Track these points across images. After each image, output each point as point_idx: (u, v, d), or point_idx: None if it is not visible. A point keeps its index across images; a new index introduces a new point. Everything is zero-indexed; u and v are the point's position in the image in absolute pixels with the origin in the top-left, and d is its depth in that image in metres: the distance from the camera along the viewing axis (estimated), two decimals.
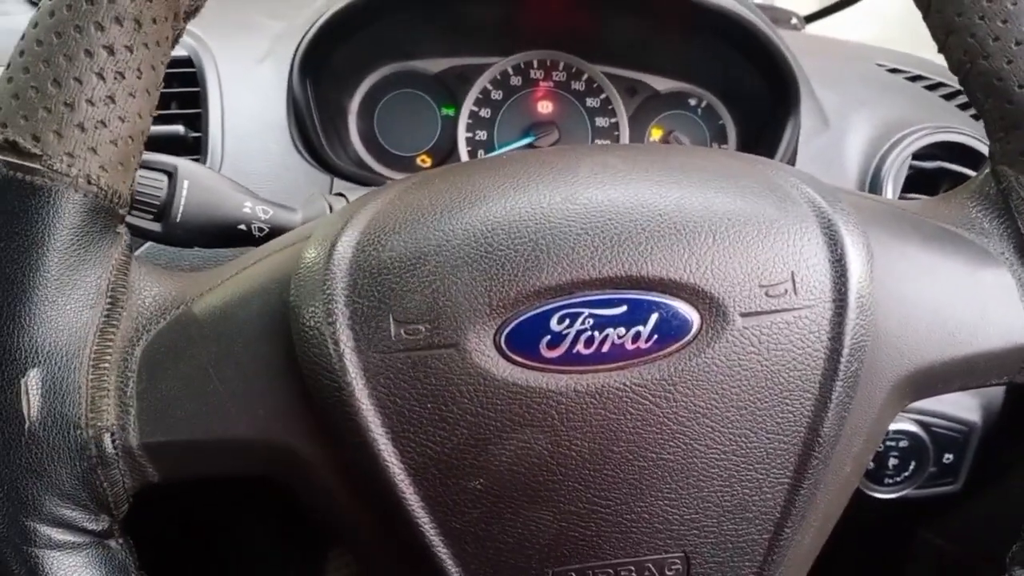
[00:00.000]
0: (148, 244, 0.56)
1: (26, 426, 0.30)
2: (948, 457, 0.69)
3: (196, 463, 0.33)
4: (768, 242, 0.32)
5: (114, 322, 0.32)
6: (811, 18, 1.20)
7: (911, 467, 0.68)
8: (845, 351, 0.32)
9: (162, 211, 0.45)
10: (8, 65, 0.31)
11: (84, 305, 0.31)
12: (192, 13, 0.34)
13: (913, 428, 0.67)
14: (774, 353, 0.32)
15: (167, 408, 0.32)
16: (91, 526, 0.32)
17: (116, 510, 0.33)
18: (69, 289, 0.31)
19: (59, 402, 0.30)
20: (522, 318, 0.31)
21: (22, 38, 0.31)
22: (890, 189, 0.67)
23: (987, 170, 0.39)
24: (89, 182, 0.31)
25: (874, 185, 0.68)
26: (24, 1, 0.83)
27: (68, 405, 0.31)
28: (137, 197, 0.45)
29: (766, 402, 0.32)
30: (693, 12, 0.66)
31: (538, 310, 0.31)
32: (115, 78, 0.31)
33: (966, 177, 0.69)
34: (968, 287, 0.35)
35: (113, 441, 0.31)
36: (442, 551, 0.32)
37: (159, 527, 0.53)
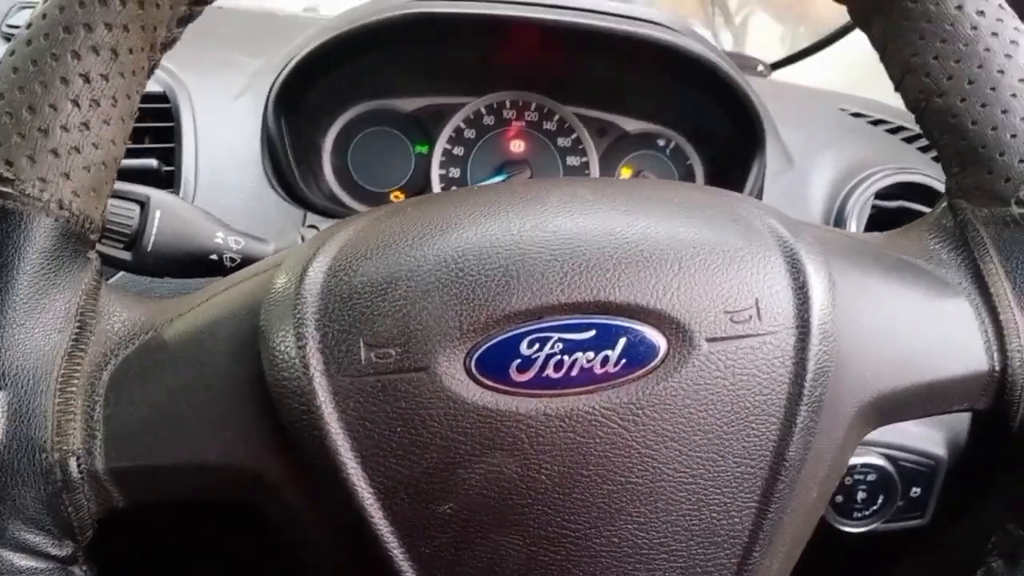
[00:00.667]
0: (120, 274, 0.56)
1: None
2: (916, 491, 0.69)
3: (163, 488, 0.33)
4: (732, 270, 0.33)
5: (82, 346, 0.32)
6: (776, 65, 1.24)
7: (879, 500, 0.68)
8: (809, 376, 0.32)
9: (133, 240, 0.45)
10: None
11: (52, 329, 0.31)
12: (168, 44, 0.34)
13: (880, 462, 0.67)
14: (739, 378, 0.32)
15: (134, 433, 0.32)
16: (55, 551, 0.32)
17: (81, 535, 0.32)
18: (38, 312, 0.31)
19: (24, 425, 0.30)
20: (492, 342, 0.31)
21: None
22: (854, 227, 0.69)
23: (944, 204, 0.40)
24: (61, 207, 0.31)
25: (838, 223, 0.70)
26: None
27: (34, 428, 0.30)
28: (108, 226, 0.45)
29: (732, 426, 0.32)
30: (663, 57, 0.67)
31: (508, 334, 0.31)
32: (90, 106, 0.31)
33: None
34: (928, 316, 0.36)
35: (79, 465, 0.31)
36: None
37: (124, 553, 0.52)
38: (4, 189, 0.30)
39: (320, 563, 0.34)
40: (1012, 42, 0.36)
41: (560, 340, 0.31)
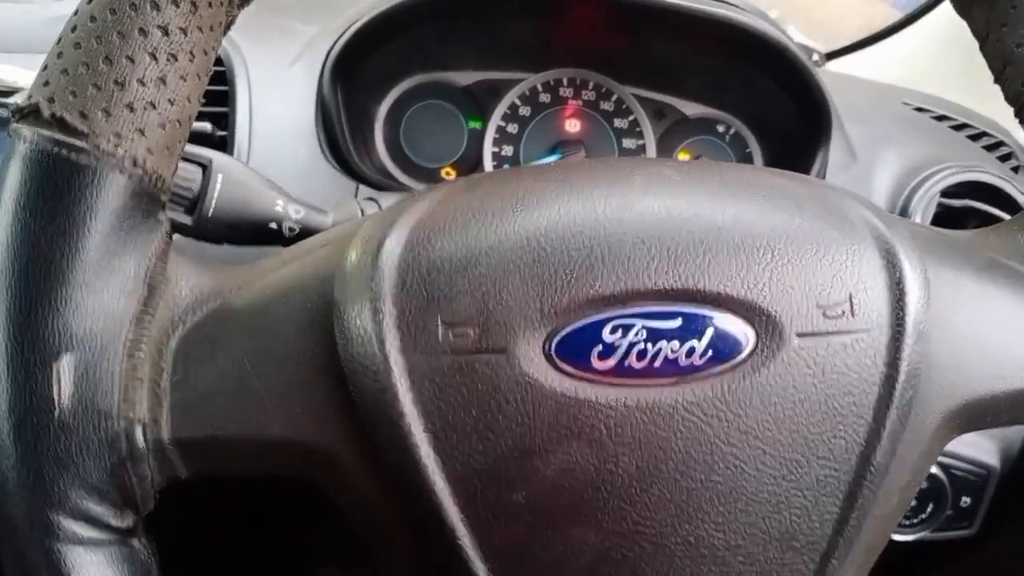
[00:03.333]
0: (175, 237, 0.55)
1: (56, 414, 0.29)
2: (965, 500, 0.68)
3: (227, 460, 0.32)
4: (826, 262, 0.31)
5: (151, 311, 0.31)
6: (831, 56, 1.21)
7: (929, 509, 0.67)
8: (901, 378, 0.31)
9: (194, 204, 0.45)
10: (59, 39, 0.30)
11: (122, 292, 0.30)
12: (246, 1, 0.33)
13: (933, 469, 0.66)
14: (829, 376, 0.31)
15: (201, 402, 0.31)
16: (116, 523, 0.31)
17: (142, 507, 0.31)
18: (108, 275, 0.30)
19: (91, 391, 0.29)
20: (574, 326, 0.30)
21: (75, 13, 0.30)
22: None
23: None
24: (135, 164, 0.30)
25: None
26: None
27: (101, 395, 0.29)
28: (175, 189, 0.44)
29: (819, 426, 0.31)
30: (730, 37, 0.65)
31: (591, 319, 0.30)
32: (168, 59, 0.30)
33: (993, 216, 0.68)
34: (1020, 320, 0.34)
35: (144, 434, 0.30)
36: (479, 566, 0.31)
37: (184, 527, 0.52)
38: (78, 143, 0.29)
39: (384, 547, 0.33)
40: None
41: (645, 328, 0.30)
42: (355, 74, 0.68)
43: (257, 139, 0.62)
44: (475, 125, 0.75)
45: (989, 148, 0.77)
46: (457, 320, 0.29)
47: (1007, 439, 0.69)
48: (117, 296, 0.30)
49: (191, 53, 0.31)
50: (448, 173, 0.75)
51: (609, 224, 0.31)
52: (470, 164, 0.75)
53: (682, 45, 0.70)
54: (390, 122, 0.74)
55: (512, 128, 0.75)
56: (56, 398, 0.29)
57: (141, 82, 0.30)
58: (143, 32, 0.29)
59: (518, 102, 0.75)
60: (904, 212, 0.68)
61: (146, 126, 0.30)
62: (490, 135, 0.75)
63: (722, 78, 0.74)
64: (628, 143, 0.76)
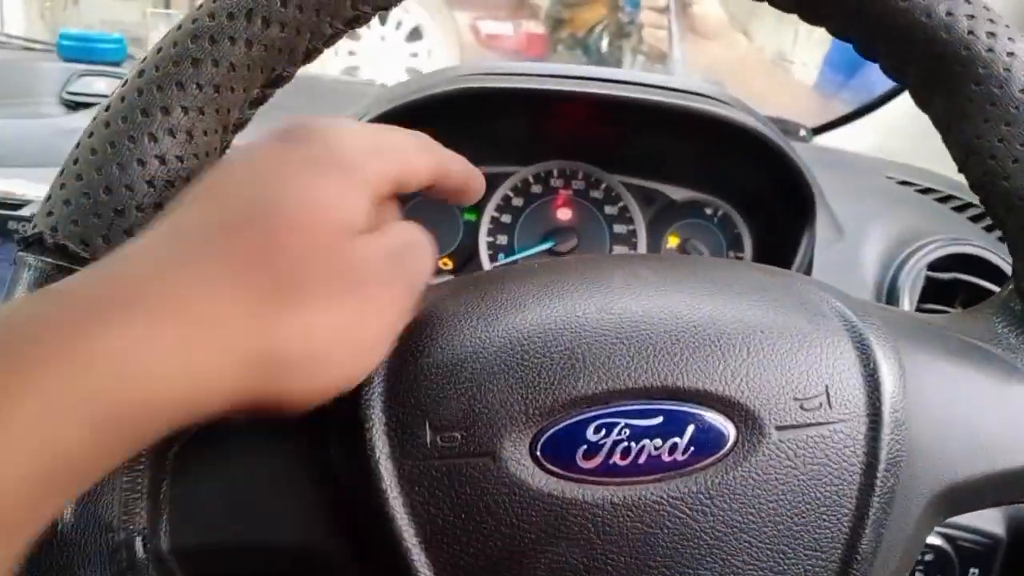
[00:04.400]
0: None
1: (58, 527, 0.30)
2: (974, 572, 0.67)
3: (227, 566, 0.32)
4: (802, 355, 0.32)
5: None
6: (818, 130, 1.24)
7: None
8: (881, 466, 0.32)
9: None
10: (62, 171, 0.32)
11: None
12: (241, 126, 0.35)
13: (938, 541, 0.65)
14: (810, 467, 0.31)
15: (200, 511, 0.31)
16: None
17: None
18: None
19: (92, 502, 0.30)
20: (558, 427, 0.31)
21: (77, 146, 0.32)
22: (907, 300, 0.68)
23: (1011, 287, 0.39)
24: None
25: (891, 295, 0.69)
26: (59, 104, 0.86)
27: (101, 506, 0.30)
28: None
29: (803, 517, 0.31)
30: (710, 127, 0.68)
31: (574, 419, 0.31)
32: (164, 186, 0.32)
33: (981, 288, 0.69)
34: (999, 402, 0.35)
35: (144, 545, 0.31)
36: None
37: None
38: (78, 268, 0.31)
39: None
40: None
41: (627, 426, 0.31)
42: None
43: None
44: (470, 217, 0.77)
45: (974, 219, 0.79)
46: (445, 425, 0.30)
47: (1013, 507, 0.68)
48: None
49: (187, 179, 0.32)
50: (445, 263, 0.77)
51: (589, 326, 0.32)
52: (466, 254, 0.77)
53: (665, 135, 0.72)
54: None
55: (506, 218, 0.77)
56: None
57: (140, 208, 0.31)
58: (141, 163, 0.31)
59: (511, 193, 0.77)
60: (892, 287, 0.69)
61: None
62: (485, 226, 0.77)
63: (707, 164, 0.76)
64: (619, 228, 0.77)
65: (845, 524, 0.32)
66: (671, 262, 0.37)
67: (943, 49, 0.36)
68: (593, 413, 0.31)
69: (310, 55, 0.34)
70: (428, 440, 0.30)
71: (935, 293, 0.70)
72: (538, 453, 0.30)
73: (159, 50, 0.32)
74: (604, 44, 3.88)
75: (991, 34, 0.35)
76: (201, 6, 0.32)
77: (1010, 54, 0.35)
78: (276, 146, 0.28)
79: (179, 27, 0.32)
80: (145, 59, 0.32)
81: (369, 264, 0.28)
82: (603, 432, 0.31)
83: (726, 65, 1.45)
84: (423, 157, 0.33)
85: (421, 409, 0.30)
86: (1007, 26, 0.36)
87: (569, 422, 0.31)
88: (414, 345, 0.32)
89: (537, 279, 0.34)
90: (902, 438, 0.32)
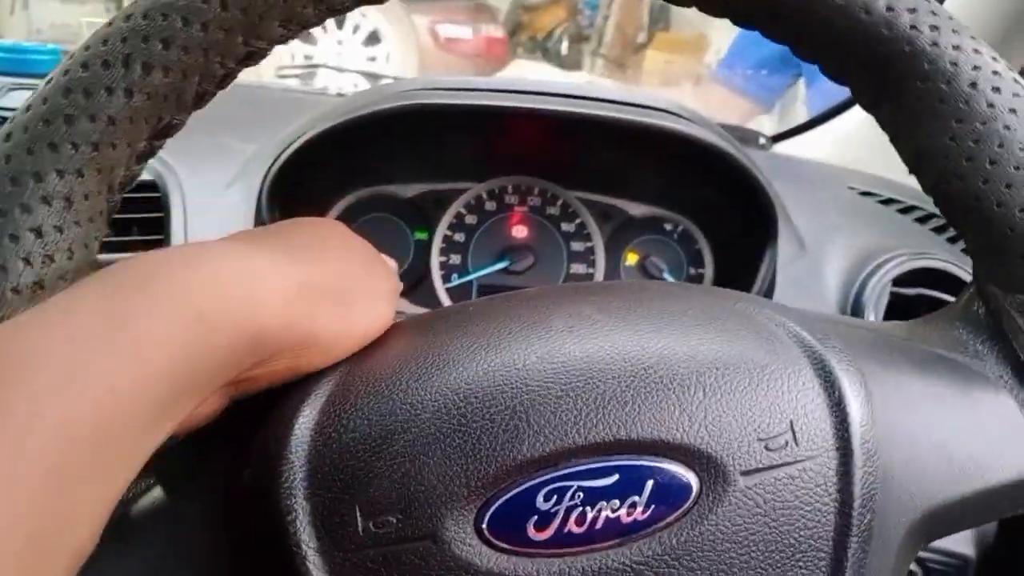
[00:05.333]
0: None
1: None
2: None
3: None
4: (762, 391, 0.30)
5: None
6: (777, 138, 1.23)
7: None
8: (856, 503, 0.29)
9: None
10: None
11: None
12: (127, 183, 0.31)
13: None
14: (781, 512, 0.29)
15: None
16: None
17: None
18: None
19: None
20: (505, 497, 0.28)
21: None
22: (872, 316, 0.67)
23: (971, 290, 0.37)
24: None
25: (855, 312, 0.67)
26: None
27: None
28: None
29: (779, 567, 0.29)
30: (669, 143, 0.65)
31: (522, 487, 0.28)
32: (43, 262, 0.28)
33: (947, 303, 0.68)
34: (971, 417, 0.33)
35: None
36: None
37: None
38: None
39: None
40: None
41: (580, 489, 0.28)
42: (295, 193, 0.67)
43: None
44: (421, 236, 0.74)
45: (937, 230, 0.78)
46: (377, 508, 0.27)
47: (981, 527, 0.67)
48: None
49: (69, 250, 0.29)
50: None
51: (531, 379, 0.29)
52: (417, 275, 0.74)
53: (623, 151, 0.70)
54: None
55: (459, 237, 0.74)
56: None
57: (16, 291, 0.28)
58: (14, 238, 0.28)
59: (464, 211, 0.74)
60: (857, 303, 0.68)
61: None
62: (437, 245, 0.74)
63: (666, 180, 0.74)
64: (576, 245, 0.75)
65: (823, 570, 0.29)
66: (616, 294, 0.34)
67: (885, 47, 0.33)
68: (542, 478, 0.28)
69: (201, 99, 0.31)
70: (360, 527, 0.27)
71: (900, 308, 0.69)
72: (484, 529, 0.27)
73: (28, 108, 0.29)
74: (564, 47, 3.89)
75: (934, 27, 0.33)
76: (72, 55, 0.29)
77: (956, 47, 0.33)
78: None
79: (49, 81, 0.29)
80: (13, 119, 0.29)
81: (370, 249, 0.35)
82: (554, 498, 0.28)
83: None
84: None
85: (349, 492, 0.27)
86: (951, 18, 0.34)
87: (516, 491, 0.28)
88: (337, 418, 0.28)
89: (470, 328, 0.31)
90: (875, 469, 0.30)
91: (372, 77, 1.30)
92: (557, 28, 4.09)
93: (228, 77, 0.31)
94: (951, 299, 0.67)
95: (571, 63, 3.83)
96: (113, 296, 0.24)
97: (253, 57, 0.31)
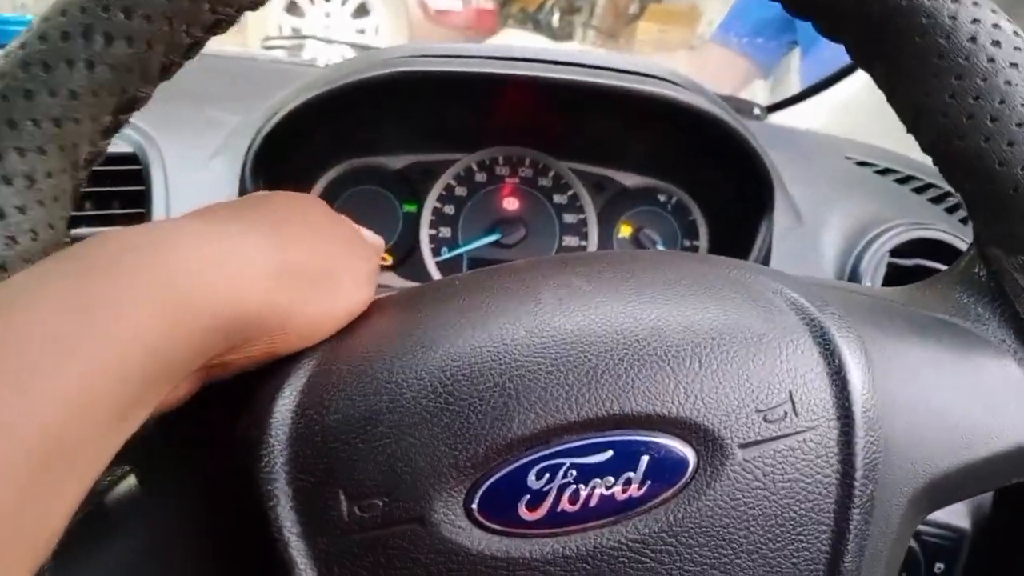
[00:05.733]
0: None
1: None
2: (939, 567, 0.66)
3: None
4: (759, 360, 0.29)
5: None
6: (772, 108, 1.22)
7: None
8: (858, 473, 0.28)
9: None
10: None
11: None
12: (93, 160, 0.30)
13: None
14: (781, 485, 0.28)
15: None
16: None
17: None
18: None
19: None
20: (495, 477, 0.27)
21: None
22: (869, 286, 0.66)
23: (972, 252, 0.36)
24: None
25: (852, 283, 0.66)
26: None
27: None
28: None
29: (779, 541, 0.28)
30: (664, 111, 0.64)
31: (512, 466, 0.27)
32: (6, 244, 0.27)
33: None
34: (973, 382, 0.32)
35: None
36: None
37: None
38: None
39: None
40: None
41: (573, 466, 0.27)
42: (280, 164, 0.65)
43: None
44: (410, 208, 0.73)
45: (935, 200, 0.77)
46: (362, 491, 0.26)
47: (977, 500, 0.67)
48: None
49: (32, 232, 0.27)
50: (384, 259, 0.73)
51: (519, 355, 0.28)
52: (406, 247, 0.73)
53: (617, 120, 0.69)
54: None
55: (449, 209, 0.73)
56: None
57: None
58: None
59: (453, 183, 0.73)
60: (854, 274, 0.67)
61: None
62: (426, 218, 0.72)
63: (660, 150, 0.72)
64: (569, 218, 0.74)
65: (825, 542, 0.29)
66: (607, 264, 0.33)
67: (881, 2, 0.32)
68: (533, 456, 0.27)
69: (168, 70, 0.29)
70: (345, 512, 0.26)
71: (898, 279, 0.68)
72: (475, 510, 0.26)
73: None
74: (555, 19, 3.85)
75: None
76: (30, 28, 0.27)
77: (954, 1, 0.32)
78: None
79: (7, 55, 0.27)
80: None
81: (351, 227, 0.34)
82: (546, 477, 0.27)
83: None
84: None
85: (333, 476, 0.26)
86: None
87: (507, 470, 0.27)
88: (319, 399, 0.27)
89: (456, 303, 0.30)
90: (876, 438, 0.29)
91: (361, 48, 1.28)
92: (548, 0, 4.05)
93: (195, 46, 0.29)
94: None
95: (563, 35, 3.79)
96: (79, 280, 0.23)
97: (221, 25, 0.29)
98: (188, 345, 0.24)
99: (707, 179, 0.73)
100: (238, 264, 0.26)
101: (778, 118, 1.21)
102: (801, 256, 0.68)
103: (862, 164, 0.81)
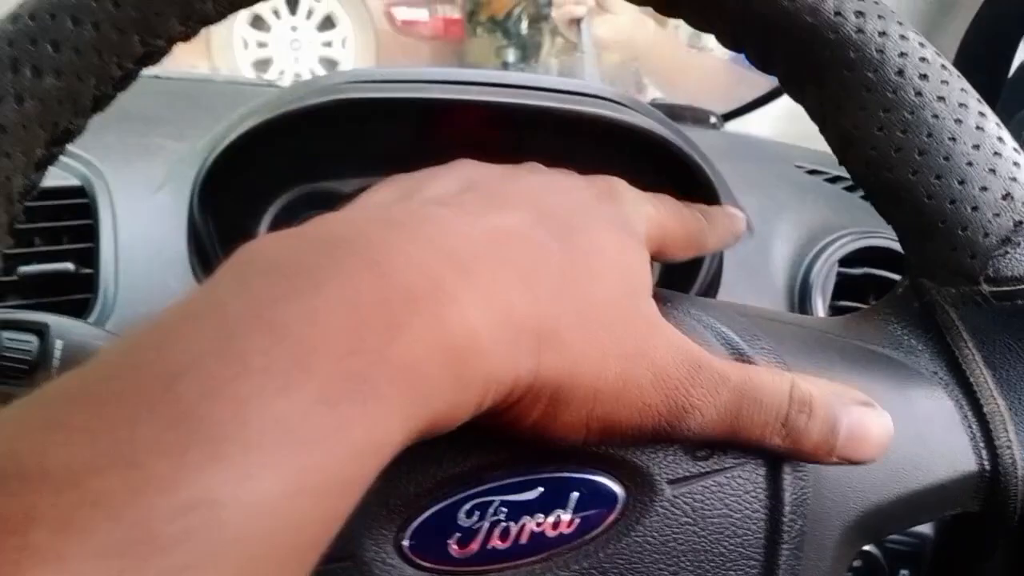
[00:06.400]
0: None
1: None
2: (904, 573, 0.66)
3: None
4: None
5: None
6: (728, 116, 1.23)
7: None
8: (786, 508, 0.29)
9: (32, 374, 0.41)
10: None
11: None
12: (27, 193, 0.30)
13: (865, 547, 0.64)
14: (710, 521, 0.29)
15: None
16: None
17: None
18: None
19: None
20: (425, 515, 0.27)
21: None
22: (819, 299, 0.66)
23: (906, 283, 0.37)
24: None
25: (803, 294, 0.67)
26: None
27: None
28: (3, 362, 0.40)
29: None
30: (609, 131, 0.64)
31: (442, 504, 0.27)
32: None
33: (893, 282, 0.68)
34: (905, 415, 0.33)
35: None
36: None
37: None
38: None
39: None
40: (961, 105, 0.33)
41: (504, 503, 0.27)
42: (229, 193, 0.65)
43: (125, 274, 0.58)
44: None
45: None
46: None
47: None
48: None
49: None
50: None
51: None
52: None
53: (561, 140, 0.69)
54: None
55: None
56: None
57: None
58: None
59: None
60: (804, 285, 0.67)
61: None
62: None
63: (606, 168, 0.72)
64: None
65: None
66: None
67: (810, 35, 0.33)
68: (464, 494, 0.27)
69: (100, 102, 0.29)
70: None
71: (848, 289, 0.68)
72: (405, 547, 0.27)
73: None
74: (524, 27, 3.85)
75: (860, 13, 0.32)
76: None
77: (882, 34, 0.32)
78: (587, 196, 0.33)
79: None
80: None
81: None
82: (477, 514, 0.27)
83: (641, 45, 1.44)
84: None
85: None
86: (877, 2, 0.33)
87: (437, 507, 0.27)
88: None
89: None
90: (804, 473, 0.30)
91: (328, 63, 1.27)
92: (515, 7, 4.05)
93: (127, 78, 0.29)
94: (897, 278, 0.67)
95: (531, 43, 3.79)
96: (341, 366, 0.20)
97: (152, 57, 0.29)
98: (465, 402, 0.24)
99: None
100: (500, 328, 0.25)
101: (735, 125, 1.22)
102: (752, 268, 0.68)
103: (812, 172, 0.82)
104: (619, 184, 0.36)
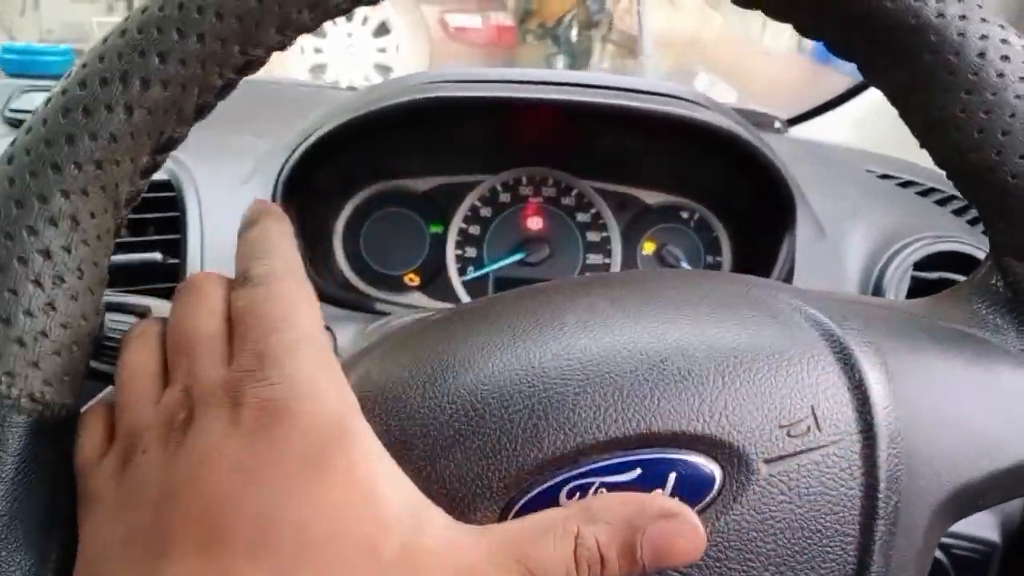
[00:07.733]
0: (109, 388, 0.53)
1: None
2: None
3: None
4: (781, 377, 0.29)
5: (67, 564, 0.28)
6: (793, 121, 1.22)
7: None
8: (882, 485, 0.29)
9: None
10: None
11: (30, 547, 0.28)
12: (133, 199, 0.31)
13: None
14: (806, 499, 0.29)
15: None
16: None
17: None
18: (14, 530, 0.27)
19: None
20: (527, 497, 0.27)
21: None
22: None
23: (990, 263, 0.36)
24: (34, 400, 0.28)
25: (876, 296, 0.67)
26: (3, 123, 0.82)
27: None
28: (105, 342, 0.42)
29: (805, 554, 0.29)
30: (683, 130, 0.65)
31: (544, 485, 0.28)
32: (54, 283, 0.28)
33: None
34: (993, 392, 0.33)
35: None
36: None
37: None
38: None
39: None
40: None
41: (603, 484, 0.28)
42: (310, 189, 0.67)
43: (210, 265, 0.60)
44: (436, 229, 0.74)
45: (957, 212, 0.77)
46: None
47: (1006, 512, 0.66)
48: (27, 551, 0.28)
49: (79, 270, 0.28)
50: (411, 279, 0.74)
51: (548, 377, 0.29)
52: (433, 268, 0.74)
53: (637, 139, 0.70)
54: (349, 233, 0.73)
55: (474, 230, 0.74)
56: None
57: (28, 313, 0.27)
58: (23, 261, 0.27)
59: (479, 203, 0.74)
60: (878, 287, 0.67)
61: (40, 358, 0.28)
62: (452, 238, 0.74)
63: (681, 167, 0.73)
64: (592, 236, 0.75)
65: (851, 554, 0.29)
66: (628, 286, 0.34)
67: (891, 20, 0.33)
68: (564, 476, 0.28)
69: (202, 111, 0.30)
70: None
71: (921, 293, 0.67)
72: None
73: (28, 130, 0.29)
74: (574, 34, 3.87)
75: None
76: (70, 75, 0.29)
77: (962, 17, 0.32)
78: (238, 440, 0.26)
79: (48, 101, 0.29)
80: (14, 142, 0.29)
81: None
82: (577, 495, 0.28)
83: (707, 42, 1.43)
84: None
85: None
86: None
87: (539, 490, 0.27)
88: None
89: (484, 328, 0.31)
90: (899, 450, 0.30)
91: (383, 69, 1.30)
92: (566, 15, 4.07)
93: (227, 87, 0.31)
94: None
95: (581, 49, 3.80)
96: None
97: (251, 66, 0.31)
98: None
99: (729, 195, 0.74)
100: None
101: (800, 131, 1.21)
102: (824, 270, 0.68)
103: (884, 177, 0.81)
104: None
